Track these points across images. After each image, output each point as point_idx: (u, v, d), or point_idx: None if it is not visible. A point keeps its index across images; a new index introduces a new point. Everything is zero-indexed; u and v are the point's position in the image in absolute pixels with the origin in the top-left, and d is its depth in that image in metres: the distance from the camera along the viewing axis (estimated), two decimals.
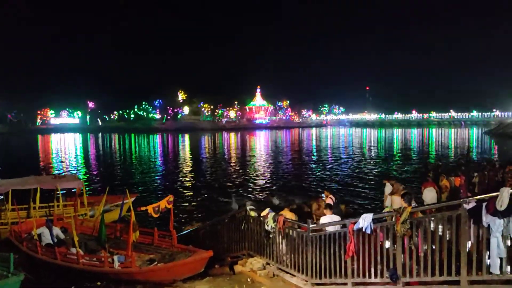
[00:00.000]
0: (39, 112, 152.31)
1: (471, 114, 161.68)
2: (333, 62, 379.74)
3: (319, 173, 28.12)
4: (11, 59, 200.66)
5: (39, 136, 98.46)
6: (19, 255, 9.01)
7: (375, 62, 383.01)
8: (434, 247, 5.10)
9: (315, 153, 45.48)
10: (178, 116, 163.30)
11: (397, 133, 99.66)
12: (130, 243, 8.09)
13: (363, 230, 5.72)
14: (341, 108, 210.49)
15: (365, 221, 5.72)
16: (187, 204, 18.49)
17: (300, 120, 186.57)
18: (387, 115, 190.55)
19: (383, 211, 8.32)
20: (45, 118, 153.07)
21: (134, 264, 7.98)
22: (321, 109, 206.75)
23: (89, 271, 8.17)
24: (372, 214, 5.85)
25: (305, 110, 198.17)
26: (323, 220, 7.29)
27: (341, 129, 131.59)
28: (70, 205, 13.26)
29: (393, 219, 5.46)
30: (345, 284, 6.21)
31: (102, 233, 8.78)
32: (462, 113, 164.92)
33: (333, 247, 6.35)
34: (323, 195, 10.23)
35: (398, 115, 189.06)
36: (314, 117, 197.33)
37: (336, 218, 7.24)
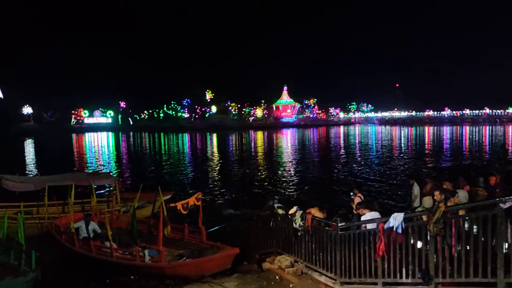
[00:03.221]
0: (73, 112, 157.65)
1: (507, 111, 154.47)
2: (362, 60, 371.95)
3: (347, 171, 27.74)
4: (47, 60, 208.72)
5: (74, 135, 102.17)
6: (58, 247, 9.50)
7: (405, 58, 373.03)
8: (468, 248, 4.97)
9: (343, 151, 44.90)
10: (206, 115, 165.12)
11: (429, 131, 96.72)
12: (160, 238, 8.33)
13: (394, 229, 5.64)
14: (369, 106, 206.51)
15: (396, 220, 5.64)
16: (216, 201, 18.73)
17: (328, 118, 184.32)
18: (418, 113, 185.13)
19: (416, 211, 8.16)
20: (79, 118, 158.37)
21: (163, 259, 8.22)
22: (349, 107, 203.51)
23: (122, 264, 8.48)
24: (403, 213, 5.76)
25: (333, 108, 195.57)
26: (364, 218, 6.95)
27: (369, 127, 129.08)
28: (104, 201, 13.85)
29: (426, 219, 5.36)
30: (375, 284, 6.15)
31: (134, 228, 9.09)
32: (498, 110, 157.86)
33: (362, 246, 6.29)
34: (351, 193, 10.11)
35: (430, 113, 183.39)
36: (341, 115, 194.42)
37: (378, 215, 6.86)
